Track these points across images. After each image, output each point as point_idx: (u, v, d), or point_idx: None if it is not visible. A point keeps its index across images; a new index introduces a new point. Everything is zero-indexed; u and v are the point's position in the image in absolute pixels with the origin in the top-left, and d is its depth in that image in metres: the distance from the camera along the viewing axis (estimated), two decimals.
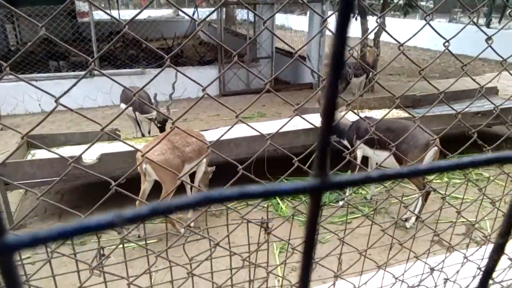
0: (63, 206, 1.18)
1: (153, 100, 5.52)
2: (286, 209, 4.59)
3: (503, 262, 1.65)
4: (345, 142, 4.80)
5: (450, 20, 17.76)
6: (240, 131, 4.80)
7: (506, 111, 5.81)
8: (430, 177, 4.24)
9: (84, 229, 0.27)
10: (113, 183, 1.10)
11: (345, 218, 4.30)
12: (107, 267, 1.22)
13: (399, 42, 1.25)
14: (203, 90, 1.06)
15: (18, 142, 5.16)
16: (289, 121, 1.24)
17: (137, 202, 4.07)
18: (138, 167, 3.89)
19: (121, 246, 1.24)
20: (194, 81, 1.11)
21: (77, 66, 9.26)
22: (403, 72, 12.67)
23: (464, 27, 1.34)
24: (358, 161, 4.62)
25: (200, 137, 4.19)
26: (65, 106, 1.01)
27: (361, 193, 5.08)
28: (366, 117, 4.89)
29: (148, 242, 3.15)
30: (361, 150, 4.60)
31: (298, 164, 1.33)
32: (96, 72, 8.79)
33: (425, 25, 1.23)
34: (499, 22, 15.93)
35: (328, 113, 0.31)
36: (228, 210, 1.46)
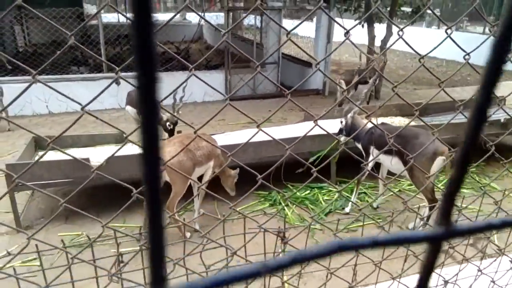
0: (85, 212, 1.18)
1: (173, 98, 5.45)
2: (292, 216, 4.59)
3: (504, 263, 1.64)
4: (359, 146, 4.80)
5: (457, 28, 17.76)
6: (246, 136, 4.82)
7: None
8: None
9: (234, 278, 0.28)
10: (135, 190, 1.10)
11: (350, 226, 4.29)
12: (125, 274, 1.22)
13: (419, 54, 1.26)
14: (226, 99, 1.06)
15: (26, 143, 5.19)
16: (310, 130, 1.24)
17: (167, 205, 4.09)
18: None
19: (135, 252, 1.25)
20: (215, 89, 1.11)
21: (92, 68, 9.37)
22: (409, 80, 12.67)
23: (487, 38, 1.34)
24: (369, 167, 4.64)
25: (212, 141, 4.29)
26: (90, 114, 1.02)
27: (367, 200, 5.06)
28: (382, 123, 4.92)
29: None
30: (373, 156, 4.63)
31: (301, 171, 1.33)
32: (104, 74, 8.87)
33: (446, 38, 1.24)
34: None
35: (464, 160, 0.31)
36: (243, 218, 1.46)
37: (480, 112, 0.30)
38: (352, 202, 4.65)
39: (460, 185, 0.32)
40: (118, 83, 6.15)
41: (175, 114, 5.13)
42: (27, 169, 1.03)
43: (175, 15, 1.09)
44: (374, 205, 4.90)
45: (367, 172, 4.74)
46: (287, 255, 0.30)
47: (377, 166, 4.87)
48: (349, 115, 4.76)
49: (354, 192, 4.83)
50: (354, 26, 1.12)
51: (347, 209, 4.77)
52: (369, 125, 4.77)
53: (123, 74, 1.14)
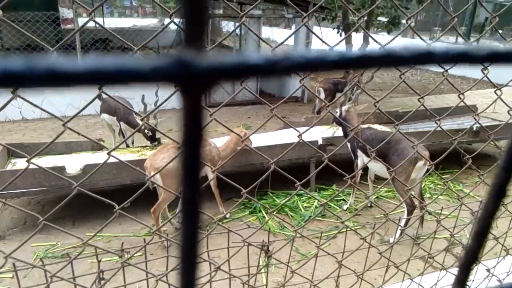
0: (61, 223, 1.15)
1: (141, 103, 5.42)
2: (272, 223, 4.59)
3: (480, 272, 1.69)
4: (348, 145, 4.92)
5: (431, 38, 18.28)
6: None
7: (486, 128, 5.98)
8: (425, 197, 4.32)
9: None
10: (117, 206, 1.08)
11: (330, 233, 4.32)
12: None
13: (400, 71, 1.29)
14: (211, 115, 1.06)
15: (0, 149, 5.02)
16: (294, 145, 1.25)
17: (154, 209, 4.09)
18: (147, 174, 3.97)
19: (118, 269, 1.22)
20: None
21: None
22: (385, 87, 12.93)
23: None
24: (359, 169, 4.84)
25: (212, 149, 4.52)
26: (72, 130, 0.99)
27: (349, 209, 5.12)
28: (369, 127, 5.03)
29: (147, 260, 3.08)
30: (361, 158, 4.75)
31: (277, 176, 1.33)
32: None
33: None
34: (477, 41, 16.44)
35: (483, 233, 0.32)
36: (220, 230, 1.45)
37: (500, 191, 0.31)
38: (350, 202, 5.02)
39: (478, 255, 0.33)
40: (101, 99, 6.03)
41: (153, 120, 5.09)
42: (7, 185, 0.99)
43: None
44: (344, 207, 5.03)
45: (359, 176, 4.94)
46: None
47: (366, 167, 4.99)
48: (343, 108, 4.84)
49: (352, 194, 5.05)
50: (338, 43, 1.14)
51: (344, 207, 5.02)
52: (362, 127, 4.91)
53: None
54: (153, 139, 5.43)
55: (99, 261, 1.25)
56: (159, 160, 4.04)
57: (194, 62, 0.18)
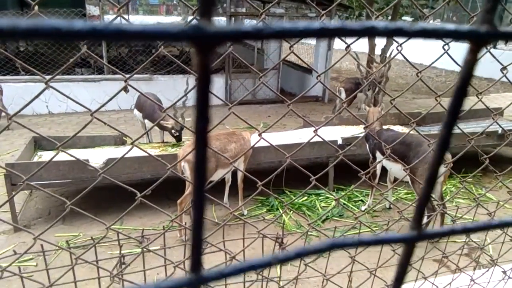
0: (89, 214, 1.21)
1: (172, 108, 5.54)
2: (289, 222, 4.61)
3: (496, 274, 1.67)
4: (367, 146, 4.92)
5: None
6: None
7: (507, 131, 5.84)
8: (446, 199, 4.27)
9: (252, 267, 0.32)
10: (139, 194, 1.13)
11: (345, 229, 4.31)
12: (126, 275, 1.25)
13: (417, 69, 1.30)
14: (229, 108, 1.10)
15: (25, 142, 5.21)
16: (310, 139, 1.27)
17: (180, 200, 4.19)
18: (178, 165, 4.08)
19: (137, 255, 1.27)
20: (217, 97, 1.14)
21: (93, 70, 9.49)
22: (408, 89, 12.74)
23: (485, 53, 1.38)
24: (378, 170, 4.83)
25: (240, 141, 4.54)
26: (99, 120, 1.05)
27: (367, 210, 5.09)
28: (388, 129, 5.01)
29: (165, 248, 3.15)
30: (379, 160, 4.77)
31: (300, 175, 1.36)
32: (105, 76, 8.90)
33: (443, 54, 1.28)
34: (505, 43, 16.01)
35: (432, 177, 0.35)
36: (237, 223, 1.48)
37: (446, 138, 0.34)
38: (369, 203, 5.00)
39: (429, 198, 0.36)
40: (127, 91, 6.15)
41: (180, 119, 5.15)
42: (37, 171, 1.05)
43: None
44: (362, 208, 5.01)
45: (377, 177, 4.95)
46: (293, 250, 0.34)
47: (384, 169, 4.98)
48: (362, 106, 4.91)
49: (370, 194, 5.03)
50: (355, 41, 1.16)
51: (362, 208, 5.01)
52: (378, 127, 4.91)
53: (127, 75, 1.17)
54: (179, 139, 5.52)
55: (120, 246, 1.31)
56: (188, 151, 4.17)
57: (206, 28, 0.26)
